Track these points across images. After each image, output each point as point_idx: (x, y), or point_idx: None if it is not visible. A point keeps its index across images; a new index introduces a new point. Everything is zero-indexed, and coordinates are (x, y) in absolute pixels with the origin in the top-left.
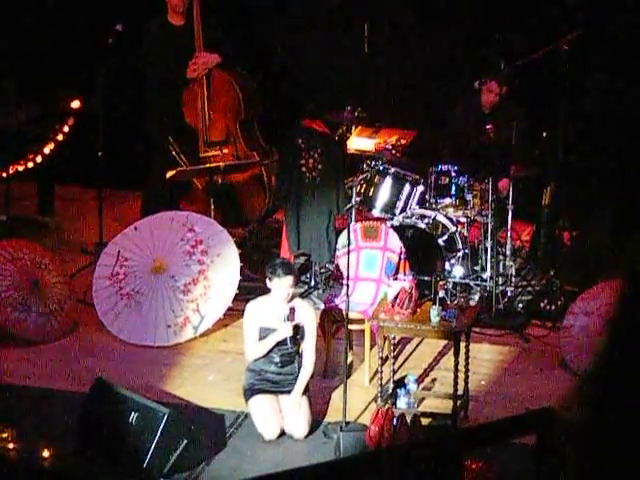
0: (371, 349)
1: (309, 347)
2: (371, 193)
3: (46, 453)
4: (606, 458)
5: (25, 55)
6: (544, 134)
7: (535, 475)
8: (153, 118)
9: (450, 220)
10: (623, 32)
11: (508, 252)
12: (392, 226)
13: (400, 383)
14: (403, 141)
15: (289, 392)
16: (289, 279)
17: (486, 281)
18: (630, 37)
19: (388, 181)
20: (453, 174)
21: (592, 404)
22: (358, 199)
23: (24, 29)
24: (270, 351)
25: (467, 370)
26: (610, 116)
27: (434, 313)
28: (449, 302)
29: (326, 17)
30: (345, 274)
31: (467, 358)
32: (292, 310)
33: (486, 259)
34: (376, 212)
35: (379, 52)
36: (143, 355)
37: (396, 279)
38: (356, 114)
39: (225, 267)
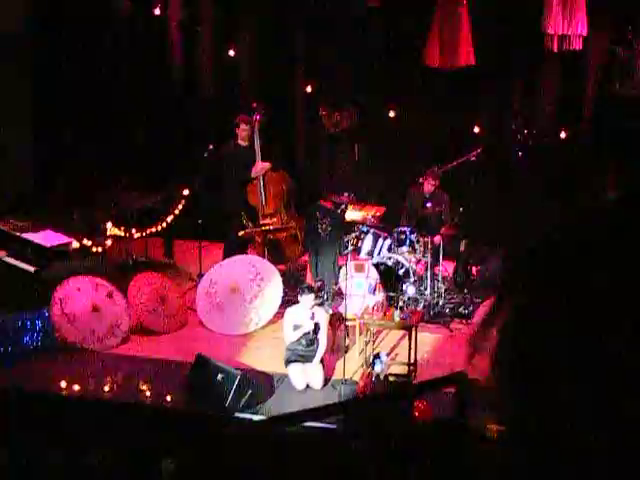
0: (360, 336)
1: (323, 335)
2: (359, 244)
3: (168, 397)
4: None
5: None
6: (461, 209)
7: (454, 409)
8: (231, 200)
9: (406, 260)
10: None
11: (440, 279)
12: (372, 263)
13: (376, 356)
14: (378, 213)
15: (311, 361)
16: (311, 295)
17: (426, 296)
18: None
19: (369, 237)
20: (408, 232)
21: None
22: (351, 248)
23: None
24: (300, 337)
25: (415, 348)
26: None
27: (396, 314)
28: (405, 308)
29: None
30: (344, 292)
31: (415, 341)
32: (313, 313)
33: (427, 283)
34: (362, 255)
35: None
36: (225, 340)
37: (374, 295)
38: (350, 197)
39: (273, 288)
